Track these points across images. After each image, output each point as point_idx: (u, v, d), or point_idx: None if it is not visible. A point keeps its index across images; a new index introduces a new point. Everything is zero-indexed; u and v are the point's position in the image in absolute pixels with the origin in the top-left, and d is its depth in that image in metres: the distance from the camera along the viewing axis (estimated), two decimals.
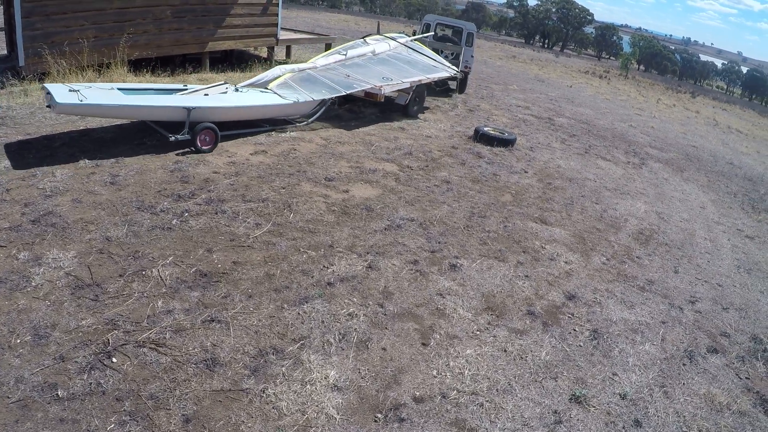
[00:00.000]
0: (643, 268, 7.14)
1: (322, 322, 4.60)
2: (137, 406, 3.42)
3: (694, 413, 4.50)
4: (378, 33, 14.67)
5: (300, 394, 3.78)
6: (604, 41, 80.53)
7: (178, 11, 12.45)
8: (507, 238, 7.07)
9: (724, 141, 21.30)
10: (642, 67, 72.43)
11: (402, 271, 5.68)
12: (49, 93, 6.60)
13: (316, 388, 3.85)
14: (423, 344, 4.61)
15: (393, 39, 14.04)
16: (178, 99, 7.81)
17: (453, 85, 17.10)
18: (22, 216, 5.28)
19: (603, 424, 4.14)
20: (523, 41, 76.83)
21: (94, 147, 7.27)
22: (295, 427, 3.51)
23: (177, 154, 7.53)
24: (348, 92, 10.41)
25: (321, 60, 11.53)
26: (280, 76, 10.12)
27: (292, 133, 9.46)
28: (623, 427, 4.15)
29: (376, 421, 3.71)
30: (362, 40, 13.54)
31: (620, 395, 4.50)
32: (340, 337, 4.46)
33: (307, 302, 4.80)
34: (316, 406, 3.71)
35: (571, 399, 4.33)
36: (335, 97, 10.32)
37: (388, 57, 12.96)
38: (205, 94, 8.28)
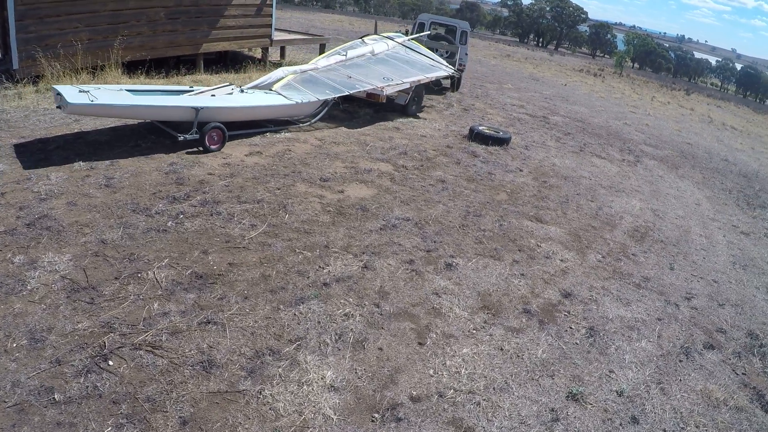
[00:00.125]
0: (638, 266, 7.16)
1: (318, 322, 4.59)
2: (134, 409, 3.41)
3: (691, 409, 4.52)
4: (375, 33, 14.70)
5: (297, 395, 3.78)
6: (599, 39, 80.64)
7: (172, 13, 12.43)
8: (502, 236, 7.07)
9: (719, 138, 21.37)
10: (636, 65, 72.52)
11: (398, 270, 5.69)
12: (59, 94, 6.69)
13: (312, 389, 3.85)
14: (419, 344, 4.61)
15: (390, 39, 14.09)
16: (187, 99, 7.99)
17: (446, 83, 17.14)
18: (17, 219, 5.27)
19: (600, 421, 4.15)
20: (518, 40, 76.92)
21: (89, 150, 7.25)
22: (292, 428, 3.51)
23: (180, 153, 7.53)
24: (351, 93, 10.53)
25: (322, 61, 11.63)
26: (283, 78, 10.22)
27: (286, 134, 9.46)
28: (620, 424, 4.16)
29: (373, 421, 3.71)
30: (360, 40, 13.58)
31: (617, 392, 4.51)
32: (337, 337, 4.46)
33: (303, 303, 4.80)
34: (313, 406, 3.71)
35: (568, 397, 4.34)
36: (337, 98, 10.42)
37: (387, 57, 13.02)
38: (212, 95, 8.45)
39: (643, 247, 7.79)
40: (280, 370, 3.98)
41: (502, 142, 11.53)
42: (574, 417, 4.13)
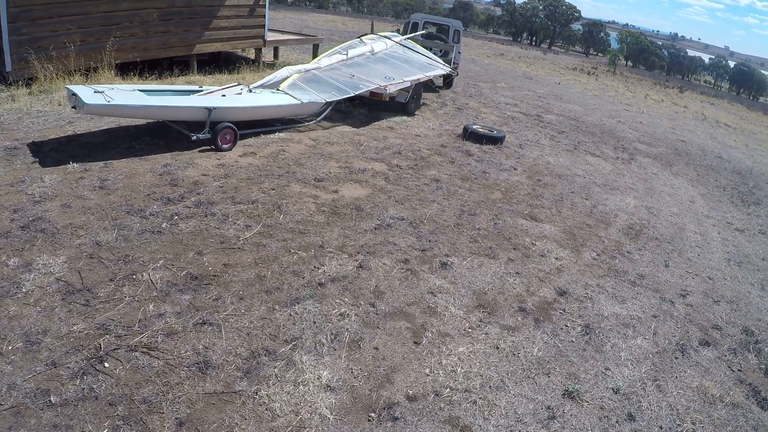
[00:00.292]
0: (633, 263, 7.17)
1: (314, 322, 4.59)
2: (130, 411, 3.40)
3: (687, 406, 4.53)
4: (372, 32, 14.76)
5: (293, 395, 3.78)
6: (592, 38, 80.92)
7: (165, 14, 12.42)
8: (497, 235, 7.08)
9: (713, 135, 21.44)
10: (630, 63, 72.78)
11: (393, 270, 5.69)
12: (74, 94, 6.78)
13: (309, 389, 3.85)
14: (415, 343, 4.61)
15: (388, 38, 14.18)
16: (200, 100, 8.16)
17: (439, 82, 17.19)
18: (11, 222, 5.25)
19: (596, 418, 4.16)
20: (511, 39, 77.10)
21: (83, 151, 7.23)
22: (289, 428, 3.51)
23: (174, 154, 7.51)
24: (356, 93, 10.63)
25: (324, 60, 11.79)
26: (288, 77, 10.38)
27: (280, 134, 9.45)
28: (617, 422, 4.17)
29: (369, 420, 3.71)
30: (359, 39, 13.67)
31: (613, 389, 4.52)
32: (332, 337, 4.46)
33: (298, 303, 4.79)
34: (310, 406, 3.71)
35: (564, 394, 4.34)
36: (342, 97, 10.56)
37: (386, 56, 13.18)
38: (223, 95, 8.62)
39: (637, 245, 7.81)
40: (276, 370, 3.98)
41: (496, 140, 11.54)
42: (571, 415, 4.14)
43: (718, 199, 11.51)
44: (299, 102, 9.52)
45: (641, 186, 11.07)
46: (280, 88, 9.93)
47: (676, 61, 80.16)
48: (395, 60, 13.00)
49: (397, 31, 18.07)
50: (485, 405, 4.05)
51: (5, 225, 5.18)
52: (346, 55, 12.22)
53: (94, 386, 3.52)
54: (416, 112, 13.31)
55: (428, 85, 16.46)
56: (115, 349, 3.88)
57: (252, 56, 16.53)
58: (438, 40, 17.67)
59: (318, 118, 10.43)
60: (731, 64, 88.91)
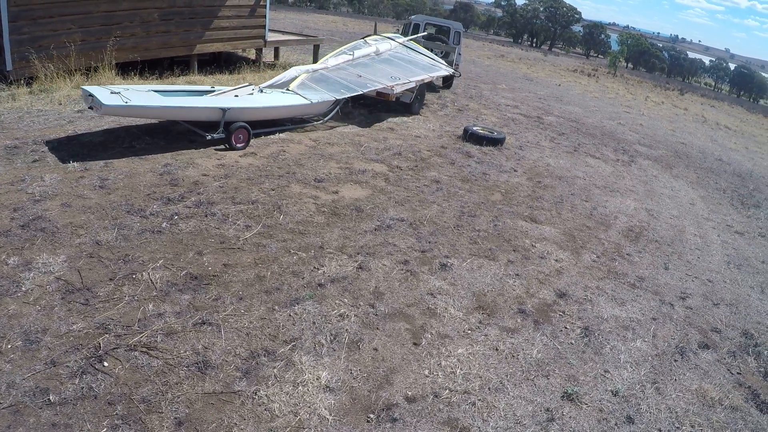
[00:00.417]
0: (633, 265, 7.17)
1: (314, 323, 4.59)
2: (129, 410, 3.40)
3: (686, 409, 4.53)
4: (375, 33, 14.82)
5: (292, 396, 3.78)
6: (592, 39, 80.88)
7: (166, 14, 12.41)
8: (497, 237, 7.08)
9: (713, 137, 21.44)
10: (630, 65, 72.78)
11: (392, 271, 5.69)
12: (91, 95, 6.92)
13: (308, 389, 3.85)
14: (414, 344, 4.61)
15: (392, 39, 14.28)
16: (215, 100, 8.31)
17: (439, 82, 17.25)
18: (11, 221, 5.25)
19: (595, 421, 4.16)
20: (512, 40, 77.06)
21: (83, 151, 7.23)
22: (288, 429, 3.51)
23: (174, 154, 7.51)
24: (363, 92, 10.82)
25: (332, 60, 11.94)
26: (297, 77, 10.51)
27: (280, 135, 9.45)
28: (616, 424, 4.17)
29: (368, 421, 3.71)
30: (363, 40, 13.76)
31: (612, 392, 4.52)
32: (332, 337, 4.46)
33: (298, 303, 4.79)
34: (309, 407, 3.71)
35: (563, 397, 4.34)
36: (349, 97, 10.72)
37: (391, 57, 13.35)
38: (235, 95, 8.79)
39: (637, 247, 7.81)
40: (275, 370, 3.98)
41: (496, 142, 11.55)
42: (570, 417, 4.14)
43: (718, 202, 11.51)
44: (309, 102, 9.63)
45: (641, 188, 11.07)
46: (289, 88, 10.05)
47: (676, 63, 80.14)
48: (400, 61, 13.13)
49: (397, 31, 18.14)
50: (484, 406, 4.05)
51: (5, 224, 5.18)
52: (352, 55, 12.36)
53: (94, 385, 3.52)
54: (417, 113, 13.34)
55: (430, 86, 16.52)
56: (114, 348, 3.88)
57: (252, 56, 16.53)
58: (439, 42, 17.72)
59: (326, 118, 10.54)
60: (732, 66, 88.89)
